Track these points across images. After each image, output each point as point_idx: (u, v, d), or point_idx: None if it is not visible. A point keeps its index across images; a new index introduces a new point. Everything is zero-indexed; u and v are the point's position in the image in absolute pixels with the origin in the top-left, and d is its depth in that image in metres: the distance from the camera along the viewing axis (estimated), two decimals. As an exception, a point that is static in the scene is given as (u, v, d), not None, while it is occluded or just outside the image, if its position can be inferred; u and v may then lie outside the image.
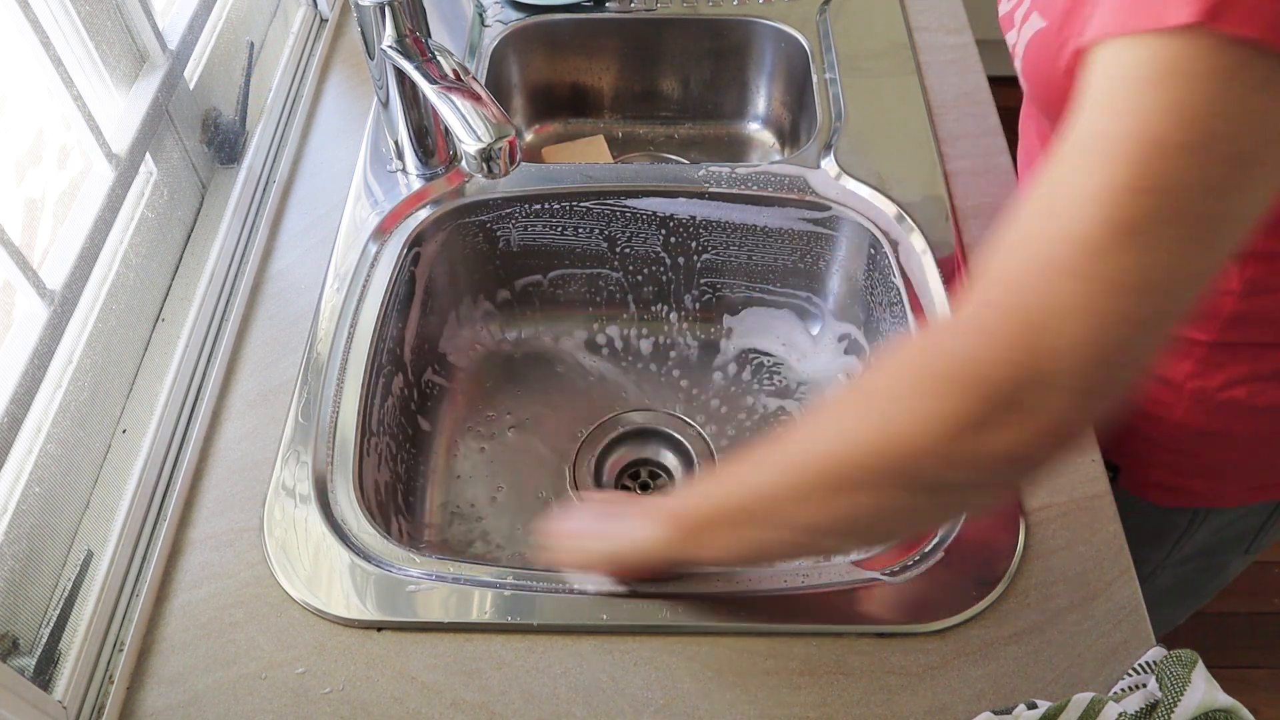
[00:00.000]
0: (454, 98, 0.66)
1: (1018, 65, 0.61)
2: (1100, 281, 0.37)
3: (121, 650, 0.58)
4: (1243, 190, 0.37)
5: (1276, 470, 0.75)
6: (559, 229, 0.88)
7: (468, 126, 0.63)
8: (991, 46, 0.99)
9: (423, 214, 0.83)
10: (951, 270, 0.76)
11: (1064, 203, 0.39)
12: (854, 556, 0.63)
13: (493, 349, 0.93)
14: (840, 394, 0.47)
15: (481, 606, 0.59)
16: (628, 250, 0.90)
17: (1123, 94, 0.38)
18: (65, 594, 0.57)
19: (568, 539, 0.60)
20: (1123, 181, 0.37)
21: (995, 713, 0.54)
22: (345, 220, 0.82)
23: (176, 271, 0.75)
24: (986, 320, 0.40)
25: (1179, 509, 0.79)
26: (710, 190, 0.85)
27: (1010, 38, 0.62)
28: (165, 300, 0.73)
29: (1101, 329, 0.38)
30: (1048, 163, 0.41)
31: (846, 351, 0.89)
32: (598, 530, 0.59)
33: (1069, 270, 0.38)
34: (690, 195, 0.85)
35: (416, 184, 0.85)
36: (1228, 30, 0.36)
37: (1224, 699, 0.51)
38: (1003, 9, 0.66)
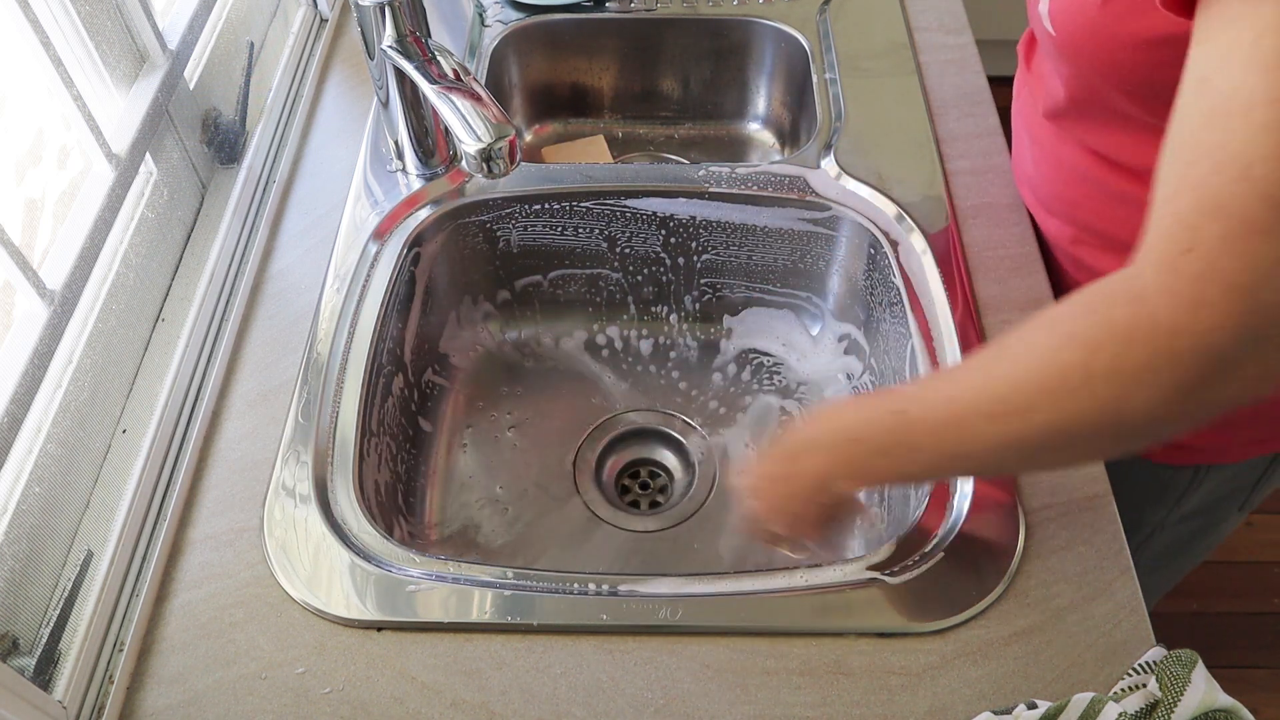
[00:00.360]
0: (454, 98, 0.66)
1: (1043, 9, 0.60)
2: None
3: (121, 650, 0.58)
4: None
5: (1274, 422, 0.75)
6: (559, 229, 0.88)
7: (468, 126, 0.63)
8: (991, 46, 1.00)
9: (423, 214, 0.83)
10: (951, 270, 0.76)
11: (1246, 161, 0.39)
12: (855, 556, 0.63)
13: (493, 349, 0.93)
14: (1037, 366, 0.46)
15: (481, 606, 0.59)
16: (628, 251, 0.90)
17: None
18: (65, 594, 0.57)
19: (755, 491, 0.59)
20: None
21: (995, 713, 0.54)
22: (345, 220, 0.82)
23: (176, 271, 0.75)
24: (1188, 289, 0.40)
25: (1181, 466, 0.79)
26: (710, 190, 0.85)
27: (1041, 7, 0.62)
28: (165, 300, 0.73)
29: None
30: (1192, 108, 0.41)
31: (846, 352, 0.89)
32: (775, 471, 0.57)
33: (1270, 230, 0.38)
34: (690, 195, 0.85)
35: (416, 184, 0.85)
36: None
37: (1224, 699, 0.51)
38: None
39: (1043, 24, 0.62)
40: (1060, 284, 0.76)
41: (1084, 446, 0.47)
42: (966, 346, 0.71)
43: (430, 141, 0.84)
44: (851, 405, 0.55)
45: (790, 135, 1.06)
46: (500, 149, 0.63)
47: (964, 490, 0.64)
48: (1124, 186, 0.65)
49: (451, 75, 0.69)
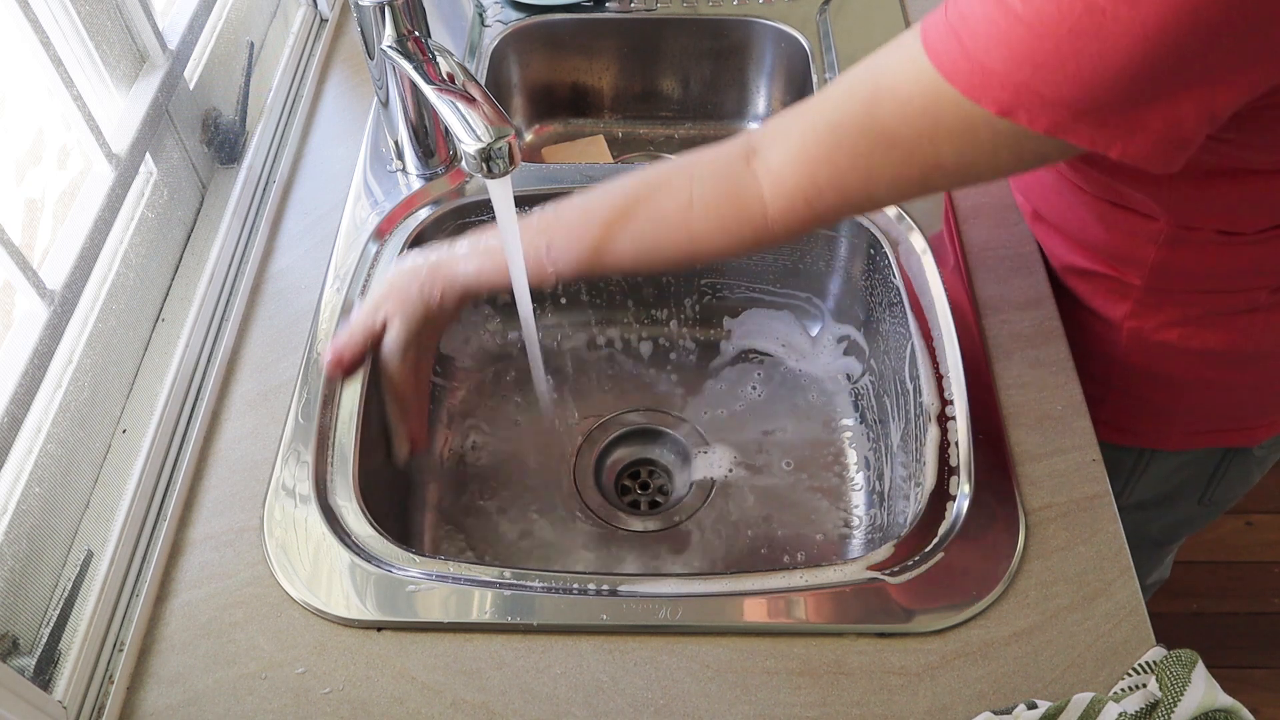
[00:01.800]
0: (453, 98, 0.66)
1: None
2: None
3: (121, 650, 0.58)
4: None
5: (1214, 416, 0.78)
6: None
7: (467, 126, 0.63)
8: (991, 46, 1.00)
9: (423, 214, 0.83)
10: (951, 270, 0.76)
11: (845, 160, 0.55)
12: (855, 556, 0.63)
13: (493, 349, 0.93)
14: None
15: (481, 606, 0.59)
16: (628, 250, 0.90)
17: (918, 99, 0.50)
18: (65, 594, 0.57)
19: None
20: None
21: (995, 713, 0.54)
22: (345, 220, 0.82)
23: (176, 271, 0.75)
24: (798, 226, 0.59)
25: (1125, 448, 0.82)
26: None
27: None
28: (165, 300, 0.73)
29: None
30: (845, 88, 0.55)
31: (846, 352, 0.89)
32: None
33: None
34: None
35: (416, 184, 0.85)
36: (1022, 122, 0.47)
37: (1224, 699, 0.51)
38: None
39: None
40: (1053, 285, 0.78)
41: (696, 261, 0.65)
42: (966, 346, 0.71)
43: (430, 141, 0.84)
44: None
45: (790, 135, 1.06)
46: (500, 149, 0.63)
47: (964, 490, 0.64)
48: (1061, 185, 0.72)
49: (451, 75, 0.69)
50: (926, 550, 0.61)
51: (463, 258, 0.68)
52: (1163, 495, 0.88)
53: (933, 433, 0.67)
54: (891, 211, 0.81)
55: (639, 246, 0.63)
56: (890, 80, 0.52)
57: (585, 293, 0.93)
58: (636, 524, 0.82)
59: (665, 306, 0.94)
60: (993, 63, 0.46)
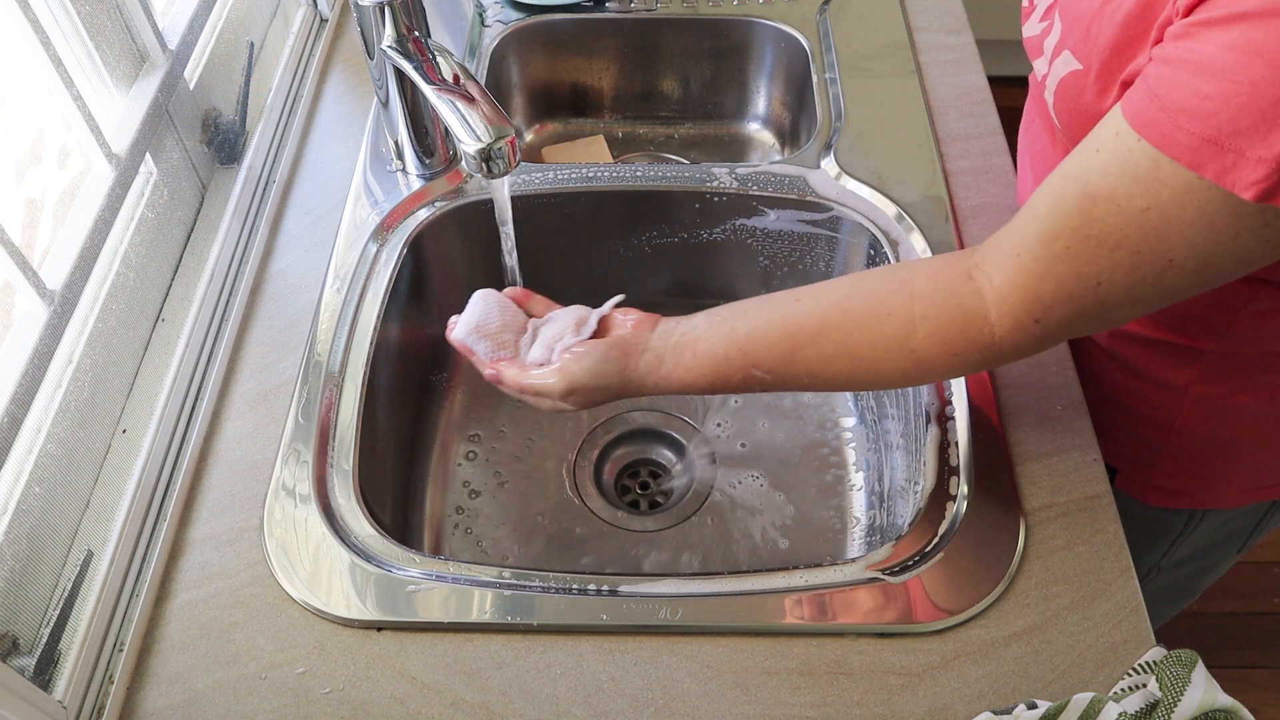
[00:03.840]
0: (453, 98, 0.66)
1: (1049, 98, 0.60)
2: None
3: (121, 650, 0.58)
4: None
5: (1273, 471, 0.75)
6: (559, 229, 0.88)
7: (467, 127, 0.63)
8: (991, 46, 0.99)
9: (423, 214, 0.83)
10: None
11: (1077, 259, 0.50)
12: (855, 556, 0.63)
13: (493, 349, 0.93)
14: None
15: (481, 606, 0.59)
16: (627, 251, 0.90)
17: (1165, 199, 0.46)
18: (65, 594, 0.57)
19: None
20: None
21: (995, 713, 0.54)
22: (345, 220, 0.82)
23: (176, 271, 0.75)
24: (1029, 345, 0.55)
25: (1177, 510, 0.79)
26: (710, 191, 0.85)
27: (1039, 65, 0.61)
28: (165, 300, 0.73)
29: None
30: (1060, 186, 0.50)
31: (846, 351, 0.89)
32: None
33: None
34: (690, 195, 0.85)
35: (416, 184, 0.85)
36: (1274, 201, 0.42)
37: (1224, 699, 0.51)
38: (1029, 30, 0.64)
39: (1049, 110, 0.61)
40: None
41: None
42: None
43: (430, 141, 0.84)
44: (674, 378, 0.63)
45: (790, 135, 1.06)
46: (500, 149, 0.63)
47: (964, 491, 0.64)
48: None
49: (451, 76, 0.69)
50: (926, 550, 0.61)
51: (652, 383, 0.63)
52: (1204, 551, 0.85)
53: (933, 433, 0.67)
54: (891, 211, 0.81)
55: (856, 368, 0.58)
56: (1105, 177, 0.47)
57: (586, 293, 0.93)
58: (637, 524, 0.82)
59: (666, 306, 0.94)
60: (1237, 136, 0.42)
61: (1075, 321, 0.52)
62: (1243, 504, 0.78)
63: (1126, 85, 0.52)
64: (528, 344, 0.67)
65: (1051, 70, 0.59)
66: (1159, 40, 0.47)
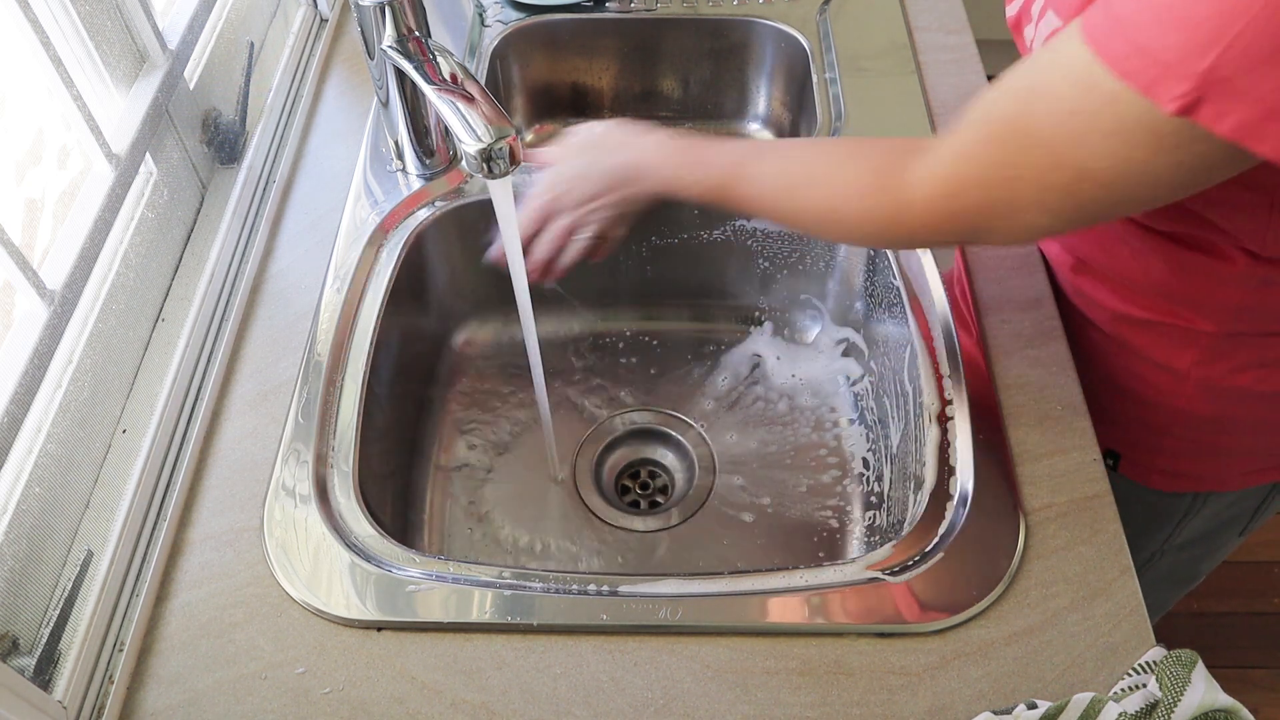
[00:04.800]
0: (454, 98, 0.66)
1: None
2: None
3: (121, 650, 0.58)
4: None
5: (1276, 452, 0.75)
6: (559, 229, 0.88)
7: (468, 127, 0.63)
8: (992, 46, 0.99)
9: (423, 214, 0.83)
10: (951, 270, 0.76)
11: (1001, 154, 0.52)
12: (855, 556, 0.63)
13: (493, 349, 0.93)
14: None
15: (481, 606, 0.59)
16: (627, 251, 0.90)
17: (1085, 104, 0.47)
18: (65, 594, 0.57)
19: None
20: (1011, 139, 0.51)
21: (995, 713, 0.54)
22: (345, 220, 0.82)
23: (176, 271, 0.75)
24: (934, 216, 0.57)
25: (1179, 494, 0.79)
26: (710, 190, 0.85)
27: (1028, 32, 0.63)
28: (165, 300, 0.73)
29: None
30: (1008, 86, 0.52)
31: (846, 353, 0.89)
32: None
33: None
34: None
35: (416, 184, 0.85)
36: (1201, 120, 0.42)
37: (1224, 699, 0.51)
38: (1011, 10, 0.66)
39: None
40: (1061, 301, 0.75)
41: (830, 230, 0.68)
42: (966, 346, 0.71)
43: (430, 141, 0.84)
44: (680, 158, 0.70)
45: (790, 135, 1.06)
46: (500, 149, 0.63)
47: (964, 491, 0.64)
48: (1123, 230, 0.67)
49: (451, 76, 0.69)
50: (926, 550, 0.61)
51: (655, 161, 0.70)
52: (1207, 534, 0.85)
53: (933, 433, 0.67)
54: (891, 211, 0.81)
55: (777, 186, 0.64)
56: (1046, 76, 0.49)
57: (586, 292, 0.93)
58: (637, 524, 0.82)
59: (666, 306, 0.94)
60: (1167, 50, 0.42)
61: (984, 210, 0.54)
62: (1246, 486, 0.78)
63: None
64: None
65: (1038, 33, 0.60)
66: None
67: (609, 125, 0.74)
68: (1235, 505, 0.81)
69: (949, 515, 0.63)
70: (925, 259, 0.77)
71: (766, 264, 0.90)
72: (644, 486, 0.86)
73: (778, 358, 0.92)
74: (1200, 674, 0.51)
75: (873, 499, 0.80)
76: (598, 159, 0.73)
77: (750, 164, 0.67)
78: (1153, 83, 0.43)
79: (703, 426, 0.88)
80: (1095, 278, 0.72)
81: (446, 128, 0.67)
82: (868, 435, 0.84)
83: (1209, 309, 0.65)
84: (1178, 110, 0.42)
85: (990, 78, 0.92)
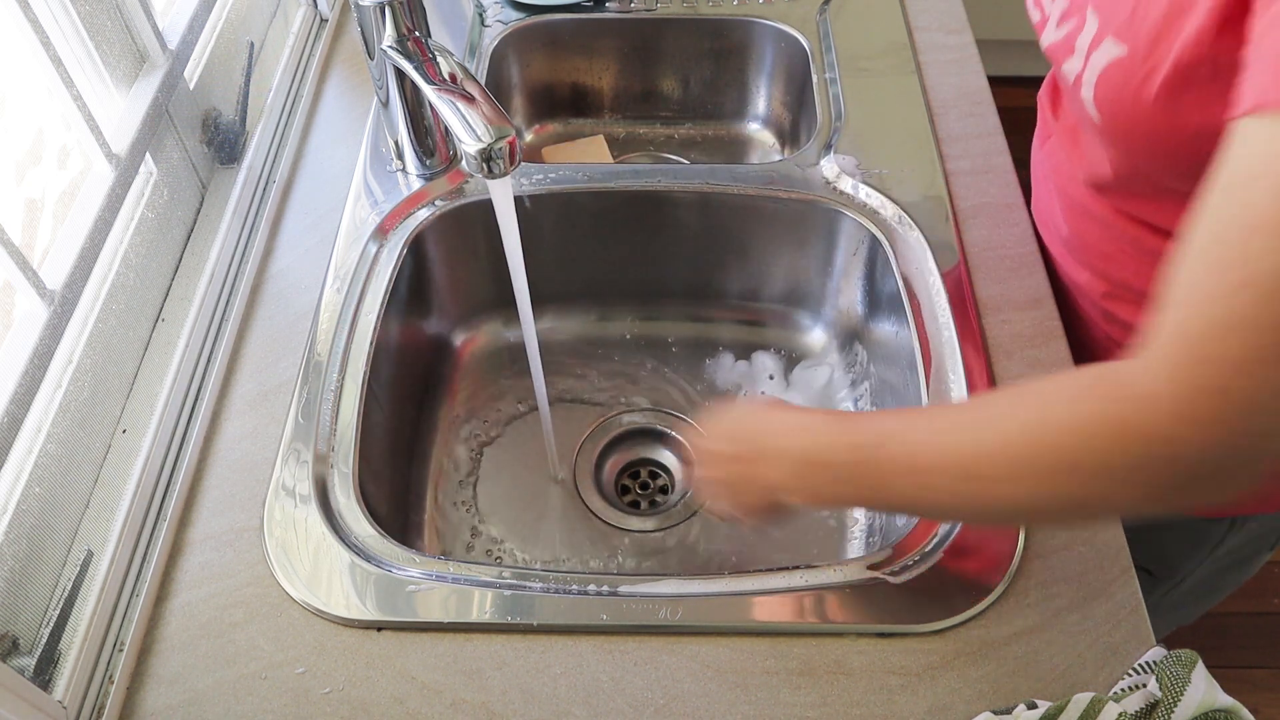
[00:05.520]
0: (454, 98, 0.66)
1: (1086, 94, 0.57)
2: None
3: (121, 650, 0.58)
4: None
5: None
6: (558, 229, 0.88)
7: (468, 127, 0.63)
8: (992, 46, 0.99)
9: (423, 214, 0.83)
10: (951, 271, 0.76)
11: (1274, 283, 0.38)
12: (854, 556, 0.63)
13: (493, 349, 0.93)
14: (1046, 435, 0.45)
15: (481, 606, 0.59)
16: (627, 251, 0.90)
17: None
18: (65, 594, 0.57)
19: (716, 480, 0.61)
20: None
21: (995, 713, 0.54)
22: (345, 220, 0.82)
23: (176, 271, 0.75)
24: (1197, 402, 0.40)
25: (1216, 520, 0.77)
26: (710, 190, 0.85)
27: (1070, 66, 0.58)
28: (165, 300, 0.73)
29: None
30: (1222, 213, 0.40)
31: (845, 353, 0.89)
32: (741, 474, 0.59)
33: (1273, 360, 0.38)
34: (690, 195, 0.85)
35: (416, 184, 0.85)
36: None
37: (1224, 699, 0.51)
38: (1050, 38, 0.62)
39: (1085, 107, 0.58)
40: (1086, 332, 0.73)
41: (1047, 520, 0.51)
42: (966, 346, 0.71)
43: (430, 141, 0.84)
44: (820, 424, 0.55)
45: (790, 135, 1.06)
46: (500, 149, 0.63)
47: (964, 490, 0.64)
48: (1167, 247, 0.62)
49: (451, 76, 0.69)
50: (926, 550, 0.61)
51: (785, 476, 0.56)
52: (1239, 553, 0.82)
53: (933, 433, 0.67)
54: (891, 211, 0.81)
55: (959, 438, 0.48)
56: (1243, 191, 0.39)
57: (586, 292, 0.93)
58: (637, 524, 0.82)
59: (666, 306, 0.94)
60: None
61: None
62: None
63: (1179, 65, 0.49)
64: None
65: (1089, 64, 0.57)
66: (1225, 18, 0.44)
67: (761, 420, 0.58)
68: (1269, 523, 0.79)
69: (949, 515, 0.63)
70: (925, 259, 0.78)
71: (767, 264, 0.90)
72: (644, 486, 0.86)
73: (778, 358, 0.92)
74: (1200, 674, 0.51)
75: (873, 499, 0.80)
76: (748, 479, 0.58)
77: (907, 424, 0.51)
78: None
79: (703, 426, 0.87)
80: (1131, 300, 0.67)
81: (446, 128, 0.67)
82: (868, 435, 0.84)
83: None
84: None
85: (990, 78, 0.93)
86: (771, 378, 0.91)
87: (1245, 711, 0.51)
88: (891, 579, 0.60)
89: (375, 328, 0.75)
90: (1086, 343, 0.74)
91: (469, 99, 0.65)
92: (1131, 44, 0.53)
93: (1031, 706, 0.53)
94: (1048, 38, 0.63)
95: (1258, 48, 0.41)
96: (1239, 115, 0.40)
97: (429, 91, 0.68)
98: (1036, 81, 0.81)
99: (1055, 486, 0.44)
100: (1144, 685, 0.53)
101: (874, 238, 0.81)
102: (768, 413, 0.58)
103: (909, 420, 0.52)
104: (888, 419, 0.54)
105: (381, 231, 0.81)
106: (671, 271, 0.92)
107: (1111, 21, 0.55)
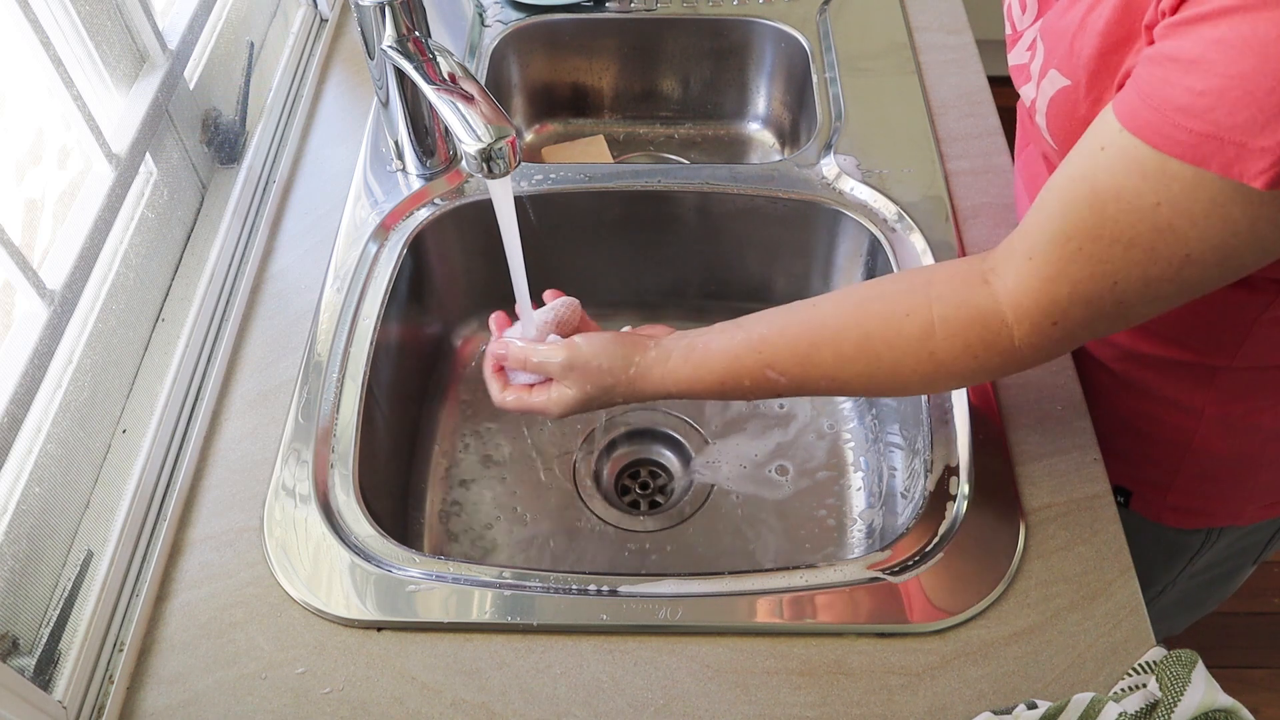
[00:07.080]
0: (454, 98, 0.66)
1: (1040, 121, 0.60)
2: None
3: (121, 650, 0.58)
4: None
5: None
6: (558, 229, 0.88)
7: (468, 127, 0.63)
8: (992, 46, 0.99)
9: (423, 214, 0.83)
10: (951, 270, 0.76)
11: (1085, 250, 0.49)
12: (855, 556, 0.63)
13: (493, 349, 0.93)
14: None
15: (481, 606, 0.59)
16: (627, 251, 0.90)
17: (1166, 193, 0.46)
18: (65, 594, 0.57)
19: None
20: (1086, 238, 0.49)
21: (995, 713, 0.54)
22: (345, 220, 0.82)
23: (176, 271, 0.75)
24: (1051, 349, 0.54)
25: (1193, 530, 0.77)
26: (710, 191, 0.85)
27: (1027, 91, 0.61)
28: (165, 300, 0.73)
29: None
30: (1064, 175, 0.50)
31: (846, 351, 0.89)
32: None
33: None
34: (690, 195, 0.85)
35: (416, 184, 0.85)
36: None
37: (1224, 699, 0.51)
38: (1015, 59, 0.64)
39: (1042, 135, 0.61)
40: None
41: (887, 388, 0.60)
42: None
43: (430, 141, 0.84)
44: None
45: (790, 135, 1.06)
46: (500, 149, 0.63)
47: (964, 491, 0.64)
48: None
49: (451, 75, 0.69)
50: (926, 550, 0.61)
51: (658, 376, 0.63)
52: (1219, 565, 0.83)
53: (933, 433, 0.67)
54: (891, 211, 0.81)
55: (875, 369, 0.57)
56: (1109, 179, 0.47)
57: (585, 292, 0.93)
58: (637, 524, 0.82)
59: (666, 306, 0.94)
60: (1235, 129, 0.42)
61: (1094, 322, 0.51)
62: (1261, 519, 0.77)
63: (1120, 90, 0.51)
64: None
65: (1040, 92, 0.59)
66: (1150, 42, 0.47)
67: (601, 348, 0.64)
68: (1249, 537, 0.80)
69: (949, 515, 0.63)
70: (925, 259, 0.77)
71: (767, 264, 0.90)
72: (644, 486, 0.86)
73: (778, 358, 0.91)
74: (1200, 674, 0.51)
75: (872, 499, 0.80)
76: (593, 400, 0.65)
77: (772, 335, 0.60)
78: (1231, 163, 0.43)
79: (703, 426, 0.88)
80: None
81: (446, 128, 0.67)
82: (867, 435, 0.84)
83: (1224, 343, 0.63)
84: (1267, 184, 0.42)
85: (991, 78, 0.93)
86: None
87: (1245, 711, 0.51)
88: (891, 579, 0.60)
89: (375, 328, 0.75)
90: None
91: (469, 99, 0.65)
92: (1073, 77, 0.55)
93: (1031, 706, 0.53)
94: (1014, 58, 0.64)
95: (1143, 65, 0.47)
96: (1114, 107, 0.47)
97: (429, 91, 0.68)
98: (1036, 81, 0.80)
99: (915, 362, 0.57)
100: (1144, 685, 0.53)
101: (874, 238, 0.81)
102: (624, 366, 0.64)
103: (774, 330, 0.61)
104: (742, 327, 0.63)
105: (381, 231, 0.81)
106: (671, 271, 0.92)
107: (1055, 53, 0.57)
